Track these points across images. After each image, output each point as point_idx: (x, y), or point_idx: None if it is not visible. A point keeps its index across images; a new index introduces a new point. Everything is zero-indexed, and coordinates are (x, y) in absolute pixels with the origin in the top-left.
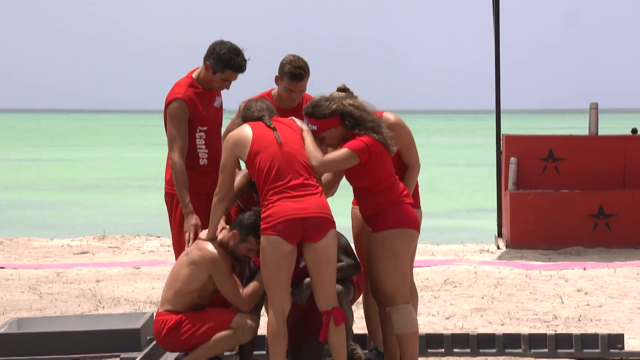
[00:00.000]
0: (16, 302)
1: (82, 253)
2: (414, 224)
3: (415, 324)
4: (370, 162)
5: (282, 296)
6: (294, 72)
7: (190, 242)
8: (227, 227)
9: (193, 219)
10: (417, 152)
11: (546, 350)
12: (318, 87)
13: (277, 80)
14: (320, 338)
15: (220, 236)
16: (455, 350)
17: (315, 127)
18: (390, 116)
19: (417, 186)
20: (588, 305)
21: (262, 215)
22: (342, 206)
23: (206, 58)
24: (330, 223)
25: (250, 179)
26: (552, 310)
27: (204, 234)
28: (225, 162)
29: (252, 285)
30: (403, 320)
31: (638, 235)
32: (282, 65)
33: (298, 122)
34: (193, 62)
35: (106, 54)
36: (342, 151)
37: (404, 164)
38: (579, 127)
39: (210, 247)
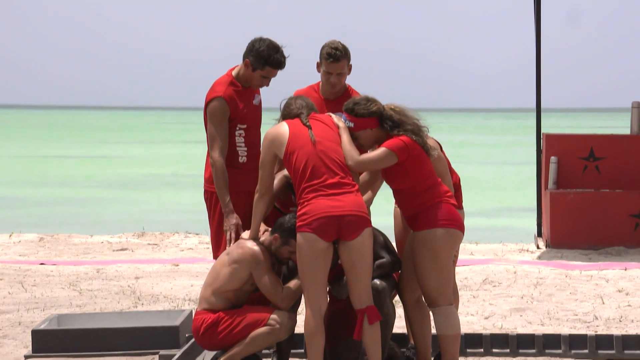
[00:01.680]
0: (57, 298)
1: (121, 250)
2: (458, 224)
3: (457, 325)
4: (408, 162)
5: (318, 294)
6: (330, 52)
7: (232, 241)
8: (269, 229)
9: (233, 219)
10: (450, 180)
11: (587, 351)
12: (360, 84)
13: (318, 66)
14: (354, 336)
15: (261, 239)
16: (494, 350)
17: (352, 125)
18: (430, 142)
19: (459, 186)
20: (629, 305)
21: (298, 214)
22: (381, 204)
23: (246, 55)
24: (366, 221)
25: (287, 180)
26: (593, 310)
27: (246, 234)
28: (264, 158)
29: (292, 283)
30: (445, 321)
31: None
32: (321, 49)
33: (335, 118)
34: (231, 61)
35: (144, 52)
36: (380, 150)
37: None
38: (621, 126)
39: (250, 244)
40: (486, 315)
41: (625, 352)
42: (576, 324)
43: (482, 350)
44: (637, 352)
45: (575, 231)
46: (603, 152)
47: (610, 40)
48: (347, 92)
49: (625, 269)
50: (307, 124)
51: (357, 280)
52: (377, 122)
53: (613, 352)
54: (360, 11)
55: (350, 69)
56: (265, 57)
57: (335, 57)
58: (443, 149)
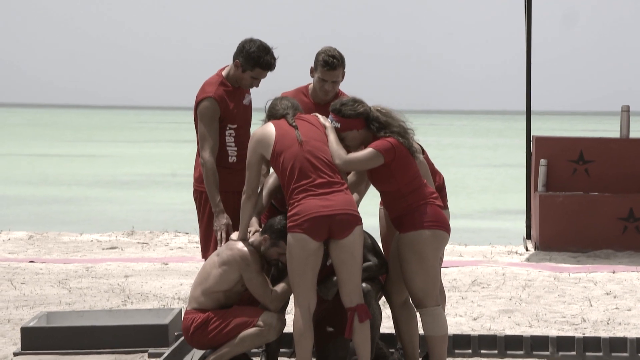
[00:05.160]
0: (46, 296)
1: (111, 248)
2: (444, 225)
3: (444, 326)
4: (394, 164)
5: (308, 294)
6: (327, 60)
7: (223, 241)
8: (259, 229)
9: (224, 219)
10: (433, 184)
11: (574, 353)
12: (350, 87)
13: (312, 71)
14: (345, 335)
15: (251, 239)
16: (482, 351)
17: (338, 125)
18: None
19: (443, 186)
20: (617, 308)
21: (288, 214)
22: (368, 205)
23: (236, 56)
24: (357, 220)
25: None
26: (581, 313)
27: (235, 235)
28: (251, 159)
29: (281, 285)
30: (433, 322)
31: None
32: (317, 55)
33: (321, 118)
34: (221, 61)
35: (132, 51)
36: (367, 150)
37: None
38: (610, 129)
39: (240, 245)
40: (474, 317)
41: (613, 354)
42: (564, 326)
43: (470, 351)
44: (624, 354)
45: (564, 234)
46: (592, 155)
47: (601, 45)
48: (337, 96)
49: (614, 272)
50: (294, 124)
51: (347, 279)
52: (363, 123)
53: (600, 354)
54: (351, 14)
55: (344, 76)
56: (255, 59)
57: (332, 65)
58: (426, 152)
